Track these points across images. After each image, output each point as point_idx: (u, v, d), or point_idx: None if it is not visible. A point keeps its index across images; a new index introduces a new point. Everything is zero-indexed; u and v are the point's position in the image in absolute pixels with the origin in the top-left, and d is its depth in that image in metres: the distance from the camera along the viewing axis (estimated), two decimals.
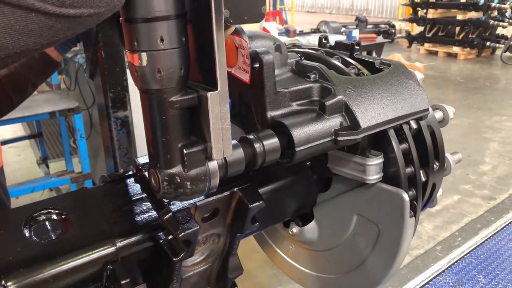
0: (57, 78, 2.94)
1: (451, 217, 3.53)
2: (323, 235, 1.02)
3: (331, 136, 0.77)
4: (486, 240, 3.23)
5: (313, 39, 5.07)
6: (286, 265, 1.16)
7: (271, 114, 0.78)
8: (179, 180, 0.63)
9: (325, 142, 0.76)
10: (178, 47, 0.58)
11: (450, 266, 2.95)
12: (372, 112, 0.81)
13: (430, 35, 10.57)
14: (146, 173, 0.82)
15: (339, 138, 0.77)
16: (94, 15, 0.51)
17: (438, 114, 1.06)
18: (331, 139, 0.77)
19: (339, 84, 0.81)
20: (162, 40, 0.57)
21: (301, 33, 5.49)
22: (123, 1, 0.53)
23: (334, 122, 0.78)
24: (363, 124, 0.78)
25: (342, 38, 5.42)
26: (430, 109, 0.95)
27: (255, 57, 0.76)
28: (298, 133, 0.73)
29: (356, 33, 4.70)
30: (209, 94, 0.59)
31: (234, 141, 0.70)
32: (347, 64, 0.94)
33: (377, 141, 0.87)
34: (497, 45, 9.64)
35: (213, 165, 0.65)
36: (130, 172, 0.85)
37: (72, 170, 3.07)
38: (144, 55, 0.57)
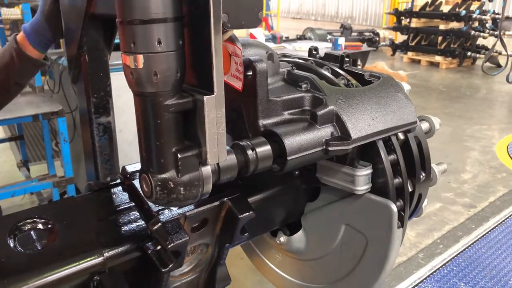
0: (40, 80, 2.89)
1: (433, 224, 3.58)
2: (310, 245, 1.02)
3: (322, 146, 0.77)
4: (467, 247, 3.28)
5: (299, 46, 5.11)
6: (272, 274, 1.15)
7: (263, 122, 0.77)
8: (172, 185, 0.62)
9: (316, 151, 0.76)
10: (175, 50, 0.58)
11: (432, 274, 2.99)
12: (363, 123, 0.81)
13: (413, 44, 10.75)
14: (134, 182, 0.81)
15: (330, 148, 0.77)
16: None
17: (425, 125, 1.07)
18: (322, 148, 0.77)
19: (331, 94, 0.81)
20: (159, 42, 0.56)
21: (288, 40, 5.52)
22: None
23: (325, 132, 0.78)
24: (354, 134, 0.78)
25: (327, 45, 5.46)
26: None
27: (248, 65, 0.76)
28: (290, 142, 0.73)
29: (342, 41, 4.74)
30: (205, 98, 0.58)
31: (228, 147, 0.70)
32: (336, 75, 0.95)
33: (366, 152, 0.88)
34: (478, 55, 9.85)
35: (206, 170, 0.65)
36: (118, 181, 0.84)
37: (54, 174, 3.01)
38: (140, 57, 0.56)
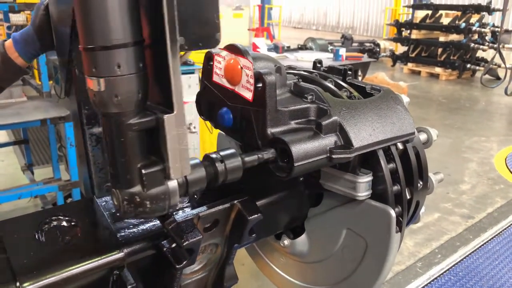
0: (47, 85, 2.96)
1: (431, 234, 3.63)
2: (313, 248, 1.07)
3: (326, 153, 0.83)
4: (465, 257, 3.32)
5: (301, 56, 5.18)
6: (276, 276, 1.20)
7: (271, 130, 0.83)
8: (138, 200, 0.65)
9: (321, 159, 0.82)
10: (135, 73, 0.61)
11: (430, 283, 3.03)
12: (364, 133, 0.87)
13: (413, 55, 10.86)
14: None
15: (333, 156, 0.82)
16: None
17: (423, 136, 1.13)
18: (326, 156, 0.83)
19: (334, 105, 0.87)
20: (119, 66, 0.59)
21: (289, 50, 5.60)
22: None
23: (329, 140, 0.84)
24: (356, 143, 0.84)
25: (328, 55, 5.54)
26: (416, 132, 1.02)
27: (258, 77, 0.82)
28: (297, 149, 0.78)
29: (343, 52, 4.82)
30: (165, 116, 0.61)
31: (197, 160, 0.74)
32: (339, 87, 1.00)
33: (367, 160, 0.93)
34: (477, 67, 9.95)
35: (172, 184, 0.67)
36: None
37: (59, 178, 3.06)
38: (102, 81, 0.59)
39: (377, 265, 0.94)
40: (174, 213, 0.81)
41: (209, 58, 0.95)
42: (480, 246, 3.54)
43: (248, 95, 0.85)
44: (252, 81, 0.83)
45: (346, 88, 1.00)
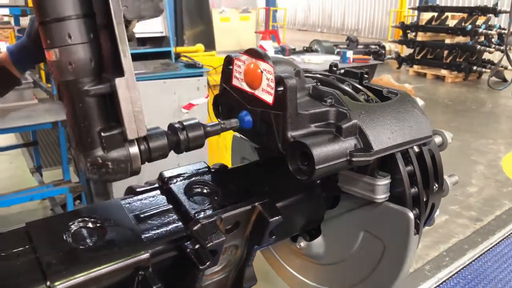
0: None
1: (439, 237, 3.63)
2: (329, 250, 1.08)
3: (346, 156, 0.84)
4: (473, 260, 3.31)
5: (308, 58, 5.20)
6: (291, 278, 1.21)
7: (291, 134, 0.84)
8: (100, 161, 0.70)
9: (341, 162, 0.83)
10: (86, 42, 0.67)
11: (438, 286, 3.02)
12: (383, 136, 0.88)
13: (419, 57, 10.85)
14: (171, 186, 0.88)
15: (353, 159, 0.83)
16: None
17: (438, 139, 1.14)
18: (346, 159, 0.84)
19: (354, 109, 0.88)
20: (70, 36, 0.66)
21: (296, 52, 5.62)
22: None
23: (349, 143, 0.85)
24: (376, 147, 0.85)
25: (335, 58, 5.55)
26: None
27: (279, 81, 0.83)
28: (318, 152, 0.79)
29: (350, 54, 4.83)
30: (117, 80, 0.67)
31: (162, 129, 0.79)
32: (357, 90, 1.02)
33: (384, 163, 0.94)
34: (484, 69, 9.93)
35: (133, 149, 0.73)
36: (156, 185, 0.90)
37: (69, 180, 3.09)
38: (56, 51, 0.66)
39: (395, 267, 0.94)
40: (197, 214, 0.82)
41: (228, 62, 0.97)
42: (488, 249, 3.53)
43: (269, 99, 0.86)
44: (272, 84, 0.85)
45: (363, 91, 1.01)
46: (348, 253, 1.04)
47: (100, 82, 0.69)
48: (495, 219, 3.97)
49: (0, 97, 1.30)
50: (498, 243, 3.64)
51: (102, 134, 0.70)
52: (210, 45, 4.87)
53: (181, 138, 0.79)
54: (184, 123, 0.81)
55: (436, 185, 1.08)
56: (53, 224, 0.75)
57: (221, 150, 3.71)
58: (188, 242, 0.79)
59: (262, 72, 0.87)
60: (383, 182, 0.91)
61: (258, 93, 0.88)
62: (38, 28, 0.68)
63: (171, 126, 0.81)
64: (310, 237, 1.12)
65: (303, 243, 1.11)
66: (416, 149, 1.01)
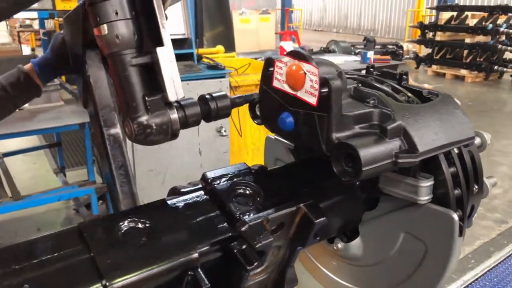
0: None
1: (464, 239, 3.57)
2: (368, 251, 1.08)
3: (391, 158, 0.83)
4: (500, 263, 3.26)
5: (328, 59, 5.15)
6: (327, 279, 1.21)
7: (336, 135, 0.84)
8: (145, 123, 0.79)
9: (386, 163, 0.83)
10: (130, 18, 0.78)
11: None
12: (427, 137, 0.87)
13: (438, 57, 10.72)
14: (216, 187, 0.88)
15: (399, 160, 0.83)
16: None
17: (477, 140, 1.12)
18: (391, 161, 0.83)
19: (398, 110, 0.88)
20: (116, 13, 0.77)
21: (314, 53, 5.60)
22: None
23: (394, 145, 0.84)
24: (421, 148, 0.84)
25: (354, 58, 5.52)
26: None
27: (324, 82, 0.83)
28: (365, 154, 0.79)
29: (371, 54, 4.80)
30: (158, 49, 0.77)
31: (195, 100, 0.88)
32: (397, 91, 1.01)
33: (426, 164, 0.93)
34: (505, 69, 9.76)
35: (173, 114, 0.82)
36: (199, 185, 0.91)
37: (93, 180, 3.13)
38: (105, 26, 0.77)
39: (437, 269, 0.94)
40: (242, 215, 0.83)
41: (269, 64, 0.97)
42: None
43: (312, 100, 0.86)
44: (316, 86, 0.85)
45: (403, 92, 1.00)
46: (387, 255, 1.03)
47: (141, 55, 0.79)
48: None
49: (19, 106, 1.38)
50: None
51: (146, 98, 0.78)
52: (230, 46, 4.89)
53: (211, 107, 0.89)
54: (213, 95, 0.90)
55: (476, 187, 1.07)
56: (104, 224, 0.77)
57: (242, 149, 3.72)
58: (235, 243, 0.79)
59: (305, 73, 0.87)
60: (427, 184, 0.91)
61: (301, 94, 0.89)
62: (87, 9, 0.80)
63: (202, 97, 0.89)
64: (348, 238, 1.11)
65: (340, 245, 1.11)
66: (455, 149, 1.00)
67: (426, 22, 12.00)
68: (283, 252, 0.91)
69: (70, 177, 4.32)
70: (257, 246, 0.75)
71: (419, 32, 11.55)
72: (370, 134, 0.86)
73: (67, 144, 5.54)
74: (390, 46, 12.00)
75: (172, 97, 0.79)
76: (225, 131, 3.22)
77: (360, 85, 0.97)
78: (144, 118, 0.79)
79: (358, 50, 6.39)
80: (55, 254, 0.70)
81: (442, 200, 0.92)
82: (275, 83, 0.95)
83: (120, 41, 0.78)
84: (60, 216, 3.94)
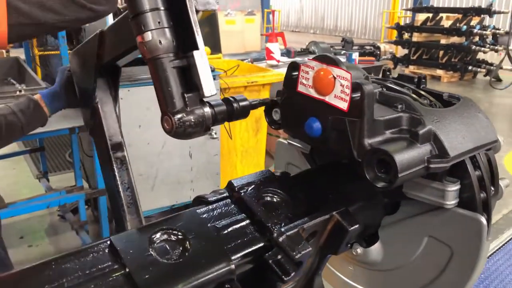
0: None
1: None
2: (388, 256, 1.07)
3: (423, 163, 0.83)
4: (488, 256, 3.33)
5: None
6: (343, 285, 1.20)
7: (368, 141, 0.83)
8: (185, 117, 0.86)
9: (420, 168, 0.82)
10: (168, 27, 0.87)
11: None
12: (456, 142, 0.87)
13: (414, 57, 10.91)
14: (243, 194, 0.86)
15: (431, 166, 0.82)
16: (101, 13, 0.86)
17: None
18: (424, 166, 0.83)
19: (426, 115, 0.87)
20: (159, 22, 0.87)
21: (300, 54, 5.61)
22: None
23: (425, 150, 0.84)
24: (452, 153, 0.84)
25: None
26: None
27: (356, 87, 0.82)
28: (400, 159, 0.78)
29: (356, 56, 4.84)
30: (195, 52, 0.86)
31: (220, 101, 0.97)
32: (419, 95, 1.01)
33: (451, 168, 0.93)
34: (479, 69, 10.01)
35: (207, 110, 0.90)
36: (225, 194, 0.89)
37: (81, 186, 3.04)
38: (149, 33, 0.86)
39: (463, 273, 0.94)
40: (274, 225, 0.80)
41: (293, 68, 0.95)
42: (498, 248, 3.56)
43: (343, 105, 0.85)
44: (348, 91, 0.83)
45: (425, 96, 1.00)
46: (409, 259, 1.03)
47: (178, 58, 0.88)
48: (503, 217, 3.99)
49: (26, 134, 1.44)
50: (508, 241, 3.68)
51: (185, 94, 0.86)
52: (215, 48, 4.84)
53: (234, 107, 0.97)
54: (235, 97, 0.99)
55: (492, 189, 1.07)
56: (137, 238, 0.73)
57: (231, 152, 3.70)
58: (270, 253, 0.77)
59: (335, 78, 0.86)
60: (454, 188, 0.90)
61: (330, 99, 0.87)
62: (131, 21, 0.89)
63: (225, 99, 0.98)
64: (366, 243, 1.10)
65: (360, 250, 1.10)
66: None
67: (402, 23, 12.20)
68: (312, 260, 0.89)
69: (52, 182, 4.20)
70: (296, 257, 0.73)
71: (394, 33, 11.73)
72: (401, 139, 0.85)
73: (47, 149, 5.39)
74: (368, 47, 12.12)
75: (207, 93, 0.87)
76: (215, 133, 3.19)
77: (384, 89, 0.97)
78: (183, 113, 0.86)
79: (337, 51, 6.43)
80: (91, 271, 0.66)
81: (468, 203, 0.92)
82: (300, 88, 0.93)
83: (162, 46, 0.86)
84: (44, 222, 3.81)
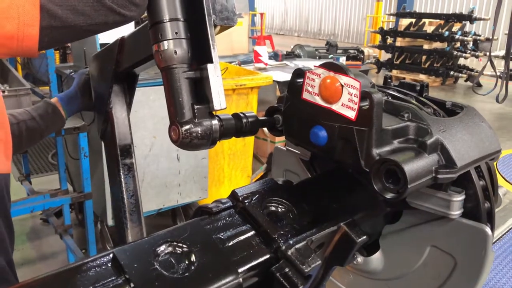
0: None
1: None
2: (389, 265, 1.06)
3: (431, 173, 0.82)
4: None
5: (302, 64, 5.19)
6: None
7: (376, 151, 0.81)
8: (193, 127, 0.85)
9: (428, 179, 0.81)
10: (185, 38, 0.88)
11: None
12: (463, 151, 0.86)
13: (398, 62, 11.05)
14: (247, 204, 0.84)
15: (439, 176, 0.81)
16: (129, 18, 0.84)
17: None
18: (431, 176, 0.82)
19: (433, 124, 0.86)
20: (176, 33, 0.87)
21: (288, 57, 5.61)
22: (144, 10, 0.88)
23: (433, 160, 0.83)
24: (459, 163, 0.83)
25: (317, 62, 5.56)
26: None
27: (365, 95, 0.80)
28: (410, 169, 0.77)
29: (343, 60, 4.86)
30: (209, 65, 0.87)
31: (230, 115, 0.95)
32: (422, 103, 1.00)
33: (457, 178, 0.92)
34: (460, 74, 10.18)
35: (215, 122, 0.89)
36: (228, 204, 0.86)
37: (66, 189, 2.97)
38: (166, 42, 0.87)
39: (467, 283, 0.93)
40: (280, 237, 0.78)
41: (298, 75, 0.93)
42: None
43: (351, 114, 0.83)
44: (356, 99, 0.82)
45: (429, 104, 1.00)
46: (411, 269, 1.02)
47: (192, 70, 0.88)
48: None
49: (44, 137, 1.44)
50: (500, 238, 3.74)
51: (195, 106, 0.86)
52: None
53: (243, 123, 0.95)
54: (245, 113, 0.97)
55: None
56: (140, 250, 0.70)
57: (219, 155, 3.66)
58: (277, 265, 0.75)
59: (342, 86, 0.84)
60: (459, 198, 0.90)
61: (337, 107, 0.86)
62: (150, 29, 0.90)
63: (235, 115, 0.96)
64: (367, 252, 1.09)
65: (360, 259, 1.08)
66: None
67: (385, 28, 12.34)
68: (317, 272, 0.87)
69: (34, 184, 4.09)
70: (306, 270, 0.71)
71: (377, 37, 11.86)
72: (409, 149, 0.84)
73: (30, 150, 5.26)
74: (352, 51, 12.23)
75: (217, 106, 0.87)
76: None
77: (389, 97, 0.96)
78: (191, 124, 0.86)
79: (322, 55, 6.45)
80: (94, 286, 0.63)
81: (472, 214, 0.92)
82: (305, 95, 0.92)
83: (177, 56, 0.86)
84: (26, 226, 3.71)
